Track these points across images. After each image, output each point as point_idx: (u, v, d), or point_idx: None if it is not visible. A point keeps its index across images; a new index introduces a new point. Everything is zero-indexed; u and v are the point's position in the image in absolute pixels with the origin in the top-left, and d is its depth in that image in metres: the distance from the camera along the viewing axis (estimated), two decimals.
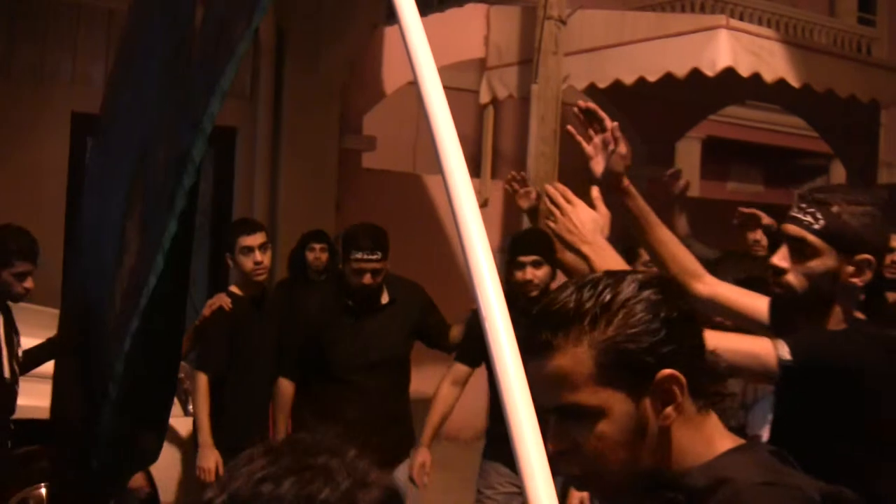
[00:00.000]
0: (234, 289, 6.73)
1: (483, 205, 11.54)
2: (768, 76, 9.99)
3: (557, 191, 3.52)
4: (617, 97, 11.87)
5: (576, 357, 1.92)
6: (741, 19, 14.04)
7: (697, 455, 1.95)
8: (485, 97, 12.70)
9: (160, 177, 2.83)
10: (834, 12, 19.36)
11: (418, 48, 1.90)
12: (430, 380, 6.52)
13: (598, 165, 3.71)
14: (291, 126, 11.01)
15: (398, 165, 12.95)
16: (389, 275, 6.38)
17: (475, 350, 6.26)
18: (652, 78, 10.17)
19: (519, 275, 6.27)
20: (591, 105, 3.72)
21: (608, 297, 1.97)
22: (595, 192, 3.68)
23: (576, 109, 3.72)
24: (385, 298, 6.41)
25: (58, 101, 9.92)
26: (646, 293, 1.97)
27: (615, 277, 2.03)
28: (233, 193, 11.00)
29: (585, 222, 3.43)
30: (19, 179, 9.65)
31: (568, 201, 3.48)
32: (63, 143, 10.02)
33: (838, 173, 18.55)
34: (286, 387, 6.43)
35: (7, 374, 5.82)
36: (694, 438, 1.97)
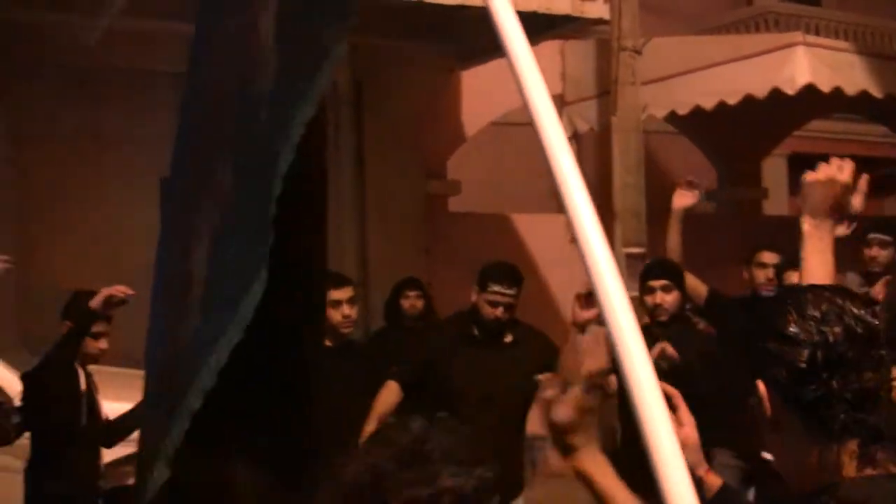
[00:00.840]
0: None
1: (571, 240, 11.52)
2: (849, 89, 9.89)
3: (843, 166, 3.03)
4: (698, 121, 11.83)
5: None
6: (816, 33, 13.96)
7: (815, 471, 2.04)
8: (565, 132, 12.73)
9: (238, 192, 2.80)
10: None
11: (529, 77, 1.89)
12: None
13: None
14: (375, 175, 11.10)
15: (484, 207, 13.00)
16: (515, 318, 6.44)
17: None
18: (732, 101, 10.11)
19: (649, 299, 6.50)
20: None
21: (790, 302, 2.14)
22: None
23: None
24: (508, 338, 6.46)
25: (146, 165, 10.09)
26: (813, 308, 2.09)
27: (821, 289, 2.20)
28: None
29: (823, 199, 2.97)
30: (108, 245, 9.82)
31: (839, 171, 3.00)
32: (152, 206, 10.17)
33: None
34: (391, 389, 6.46)
35: (84, 419, 5.95)
36: (805, 455, 2.07)
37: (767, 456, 3.71)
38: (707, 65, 10.40)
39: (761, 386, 2.11)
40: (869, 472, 2.02)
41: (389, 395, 6.47)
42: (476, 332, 6.38)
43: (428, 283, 9.31)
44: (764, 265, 7.20)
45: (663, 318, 6.45)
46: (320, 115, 2.79)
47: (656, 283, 6.50)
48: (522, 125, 11.29)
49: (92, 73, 10.00)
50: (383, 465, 1.99)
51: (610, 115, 10.19)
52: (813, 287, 2.28)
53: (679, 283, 6.54)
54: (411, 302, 8.53)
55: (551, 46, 12.21)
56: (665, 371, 6.29)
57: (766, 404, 2.10)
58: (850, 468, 2.03)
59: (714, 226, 12.68)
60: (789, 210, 17.60)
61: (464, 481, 1.97)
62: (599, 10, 10.13)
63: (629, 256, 9.55)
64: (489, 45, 10.77)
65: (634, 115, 9.96)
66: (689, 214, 6.78)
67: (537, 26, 10.13)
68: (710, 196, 14.44)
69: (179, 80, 9.10)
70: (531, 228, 12.28)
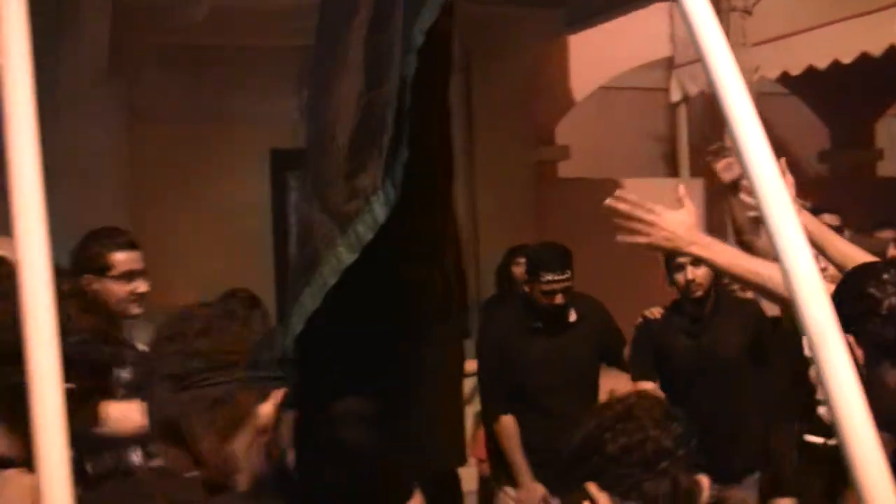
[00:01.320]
0: None
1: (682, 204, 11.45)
2: None
3: (631, 203, 3.42)
4: (810, 81, 11.63)
5: None
6: None
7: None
8: (675, 95, 12.56)
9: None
10: None
11: (707, 31, 1.81)
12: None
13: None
14: (485, 143, 11.08)
15: (593, 172, 12.93)
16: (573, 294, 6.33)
17: (649, 367, 6.26)
18: (846, 59, 9.91)
19: (680, 278, 6.13)
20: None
21: (867, 272, 2.91)
22: (681, 189, 3.57)
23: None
24: (573, 317, 6.34)
25: (255, 139, 10.19)
26: (885, 273, 2.84)
27: (887, 263, 3.14)
28: None
29: (677, 225, 3.37)
30: (224, 220, 9.94)
31: (647, 210, 3.39)
32: (264, 180, 10.28)
33: None
34: (509, 423, 6.25)
35: None
36: (892, 380, 2.75)
37: None
38: (821, 23, 10.21)
39: (850, 339, 2.64)
40: None
41: (510, 431, 6.30)
42: (539, 323, 6.25)
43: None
44: None
45: (699, 293, 6.12)
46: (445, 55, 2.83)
47: (685, 259, 6.13)
48: (631, 89, 11.19)
49: (202, 51, 10.11)
50: (605, 422, 2.75)
51: None
52: (884, 261, 3.12)
53: None
54: (523, 269, 8.52)
55: (661, 8, 12.09)
56: (713, 349, 6.16)
57: (858, 353, 2.72)
58: None
59: (826, 188, 12.48)
60: None
61: (662, 433, 2.68)
62: None
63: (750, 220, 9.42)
64: (596, 8, 10.70)
65: (746, 77, 9.76)
66: (802, 177, 6.63)
67: None
68: (822, 157, 14.21)
69: (290, 55, 9.17)
70: (641, 193, 12.09)
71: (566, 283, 6.13)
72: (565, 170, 12.33)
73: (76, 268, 4.69)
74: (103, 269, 4.68)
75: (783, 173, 3.58)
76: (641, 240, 3.38)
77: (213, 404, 2.20)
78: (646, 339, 6.40)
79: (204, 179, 9.96)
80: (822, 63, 10.16)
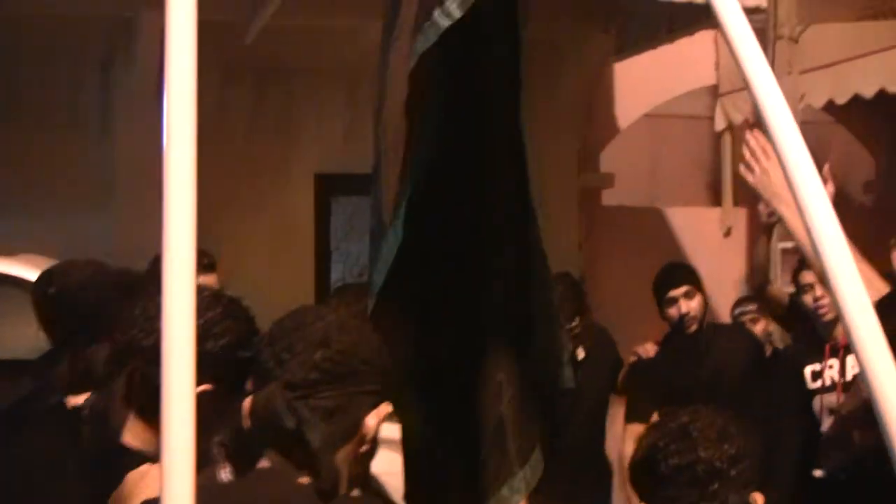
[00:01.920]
0: None
1: (726, 234, 11.39)
2: None
3: (758, 141, 3.62)
4: (857, 110, 11.55)
5: None
6: None
7: None
8: (720, 124, 12.50)
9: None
10: None
11: (751, 58, 1.79)
12: None
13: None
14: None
15: (637, 200, 12.89)
16: (584, 324, 6.19)
17: (645, 406, 5.97)
18: (893, 88, 9.85)
19: (673, 311, 6.02)
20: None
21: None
22: None
23: None
24: (581, 354, 6.22)
25: (301, 163, 10.22)
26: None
27: None
28: None
29: (782, 179, 3.49)
30: (268, 239, 9.97)
31: (767, 155, 3.57)
32: (308, 202, 10.29)
33: None
34: None
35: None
36: None
37: None
38: (868, 51, 10.14)
39: None
40: None
41: None
42: None
43: (581, 277, 9.26)
44: None
45: (693, 326, 6.02)
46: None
47: (677, 292, 6.00)
48: (676, 117, 11.13)
49: (255, 72, 10.17)
50: (657, 442, 2.82)
51: None
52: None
53: (699, 286, 6.15)
54: None
55: (706, 36, 12.05)
56: (713, 382, 6.07)
57: None
58: None
59: (872, 218, 12.39)
60: None
61: (714, 454, 2.72)
62: None
63: (784, 251, 9.36)
64: (642, 35, 10.68)
65: (791, 105, 9.69)
66: (847, 207, 6.54)
67: (693, 16, 10.00)
68: (867, 188, 14.09)
69: (339, 77, 9.08)
70: (685, 222, 12.12)
71: (577, 332, 5.98)
72: (609, 197, 12.29)
73: (152, 286, 4.67)
74: None
75: (825, 181, 3.62)
76: (750, 177, 3.69)
77: (328, 415, 2.28)
78: (642, 377, 6.30)
79: (248, 200, 10.00)
80: (868, 92, 10.10)
